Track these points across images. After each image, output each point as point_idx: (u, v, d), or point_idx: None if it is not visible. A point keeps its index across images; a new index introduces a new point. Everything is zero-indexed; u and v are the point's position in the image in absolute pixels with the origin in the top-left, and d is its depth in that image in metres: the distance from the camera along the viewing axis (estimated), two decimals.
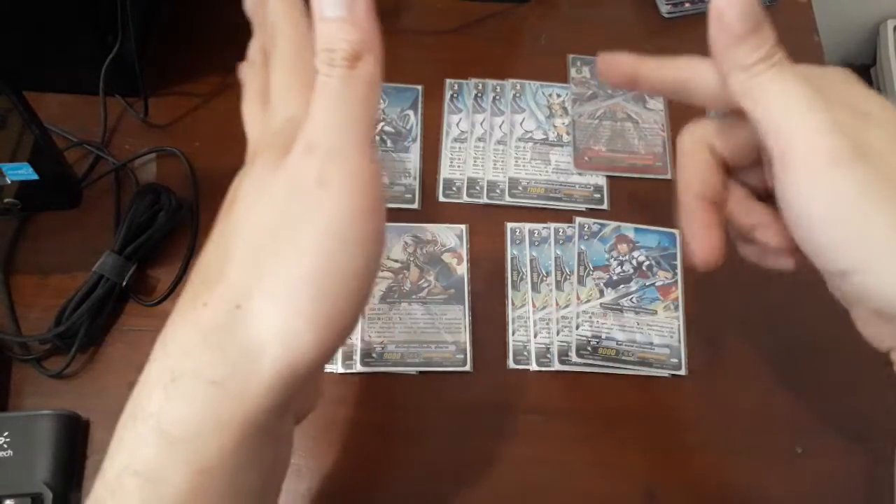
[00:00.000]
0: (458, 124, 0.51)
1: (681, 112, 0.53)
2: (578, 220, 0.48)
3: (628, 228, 0.48)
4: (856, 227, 0.24)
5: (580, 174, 0.50)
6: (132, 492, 0.22)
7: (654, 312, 0.46)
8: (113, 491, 0.22)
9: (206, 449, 0.22)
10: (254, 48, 0.28)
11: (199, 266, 0.24)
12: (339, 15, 0.23)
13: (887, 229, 0.24)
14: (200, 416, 0.22)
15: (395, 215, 0.48)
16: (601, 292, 0.46)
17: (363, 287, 0.23)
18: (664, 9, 0.56)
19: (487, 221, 0.48)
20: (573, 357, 0.44)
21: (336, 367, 0.43)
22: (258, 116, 0.26)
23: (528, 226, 0.48)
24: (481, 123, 0.51)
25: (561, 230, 0.48)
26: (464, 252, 0.47)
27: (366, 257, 0.22)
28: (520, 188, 0.49)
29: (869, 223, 0.24)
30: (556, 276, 0.47)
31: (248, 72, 0.28)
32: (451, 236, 0.47)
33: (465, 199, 0.49)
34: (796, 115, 0.25)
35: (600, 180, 0.50)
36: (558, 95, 0.53)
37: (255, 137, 0.26)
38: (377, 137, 0.50)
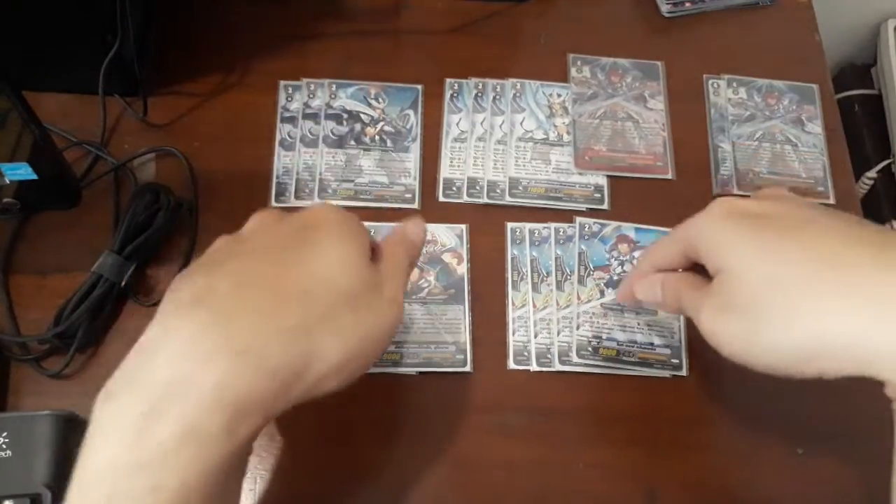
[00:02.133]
0: (458, 124, 0.51)
1: (681, 112, 0.53)
2: (579, 219, 0.48)
3: (629, 228, 0.48)
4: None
5: (580, 174, 0.50)
6: (186, 456, 0.24)
7: (655, 313, 0.46)
8: (164, 455, 0.24)
9: (248, 431, 0.26)
10: None
11: (253, 284, 0.28)
12: (424, 240, 0.36)
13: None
14: (255, 397, 0.26)
15: (396, 215, 0.48)
16: (602, 292, 0.46)
17: (368, 366, 0.31)
18: (664, 8, 0.56)
19: (487, 221, 0.48)
20: (574, 357, 0.44)
21: None
22: None
23: (528, 226, 0.48)
24: (481, 123, 0.51)
25: (561, 230, 0.48)
26: (464, 252, 0.47)
27: (380, 351, 0.32)
28: (520, 188, 0.49)
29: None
30: (556, 276, 0.47)
31: None
32: (451, 236, 0.47)
33: (465, 198, 0.49)
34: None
35: (601, 180, 0.50)
36: (558, 95, 0.53)
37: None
38: (377, 137, 0.50)
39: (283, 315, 0.27)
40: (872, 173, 0.89)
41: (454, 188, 0.49)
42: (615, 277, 0.47)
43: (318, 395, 0.28)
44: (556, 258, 0.47)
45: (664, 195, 0.50)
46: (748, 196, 0.36)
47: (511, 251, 0.47)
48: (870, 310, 0.28)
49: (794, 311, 0.29)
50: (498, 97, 0.52)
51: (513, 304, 0.46)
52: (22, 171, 0.39)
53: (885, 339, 0.28)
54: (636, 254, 0.48)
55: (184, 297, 0.27)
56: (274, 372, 0.26)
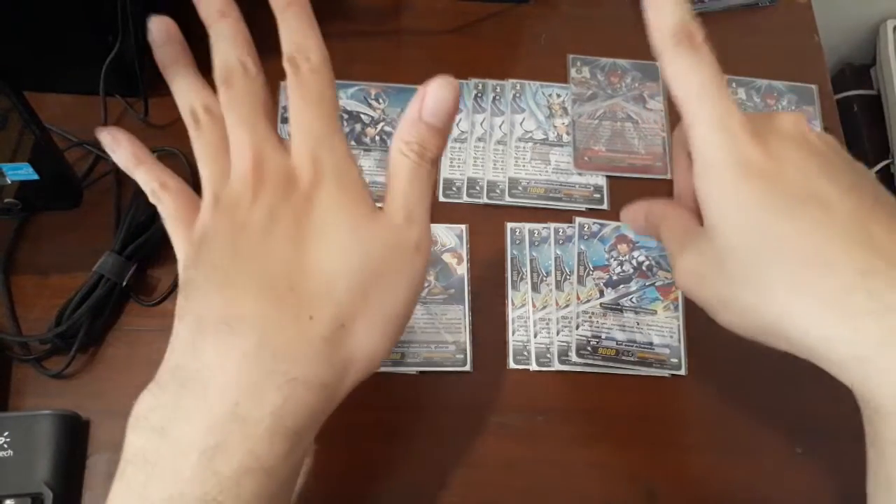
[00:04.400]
0: (458, 124, 0.51)
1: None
2: (578, 220, 0.48)
3: (628, 228, 0.48)
4: (751, 235, 0.28)
5: (580, 174, 0.50)
6: (251, 487, 0.24)
7: (654, 312, 0.46)
8: (227, 489, 0.24)
9: (307, 440, 0.27)
10: (196, 107, 0.31)
11: (268, 271, 0.26)
12: (436, 124, 0.28)
13: (776, 238, 0.27)
14: (311, 413, 0.26)
15: None
16: (601, 292, 0.46)
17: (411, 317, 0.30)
18: None
19: (487, 221, 0.48)
20: (573, 357, 0.44)
21: None
22: (270, 133, 0.29)
23: (528, 226, 0.48)
24: (481, 123, 0.51)
25: (561, 230, 0.48)
26: (464, 252, 0.47)
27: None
28: (520, 188, 0.49)
29: (760, 231, 0.27)
30: (555, 276, 0.47)
31: (202, 128, 0.30)
32: (451, 236, 0.47)
33: (465, 199, 0.49)
34: (703, 121, 0.28)
35: (600, 180, 0.50)
36: (558, 95, 0.53)
37: (283, 163, 0.28)
38: (377, 137, 0.50)
39: (317, 323, 0.26)
40: (871, 174, 0.89)
41: (454, 188, 0.49)
42: (614, 277, 0.47)
43: (369, 375, 0.28)
44: (555, 258, 0.47)
45: (663, 195, 0.50)
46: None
47: (511, 251, 0.48)
48: (869, 328, 0.25)
49: (770, 298, 0.27)
50: (498, 98, 0.52)
51: (512, 303, 0.46)
52: (23, 172, 0.40)
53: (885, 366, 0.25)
54: (635, 253, 0.48)
55: (207, 318, 0.26)
56: (322, 386, 0.26)
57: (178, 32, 0.32)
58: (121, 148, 0.32)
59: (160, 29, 0.31)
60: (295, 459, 0.26)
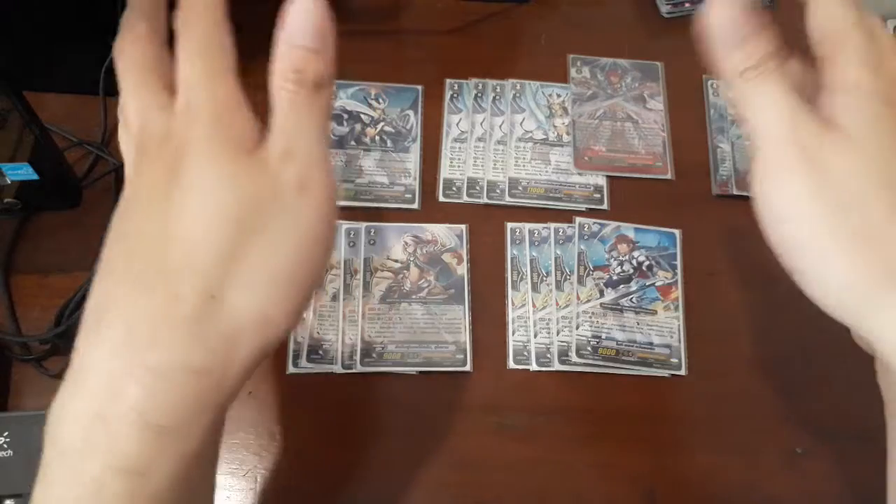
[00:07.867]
0: (458, 124, 0.51)
1: (680, 113, 0.53)
2: (578, 220, 0.48)
3: (628, 228, 0.48)
4: (794, 230, 0.26)
5: (580, 174, 0.50)
6: (119, 489, 0.22)
7: (654, 312, 0.46)
8: (95, 492, 0.22)
9: (191, 435, 0.23)
10: (138, 20, 0.28)
11: (137, 252, 0.23)
12: (312, 46, 0.25)
13: (818, 238, 0.26)
14: (185, 404, 0.22)
15: (396, 215, 0.48)
16: (601, 292, 0.46)
17: (321, 276, 0.26)
18: (664, 9, 0.56)
19: (487, 221, 0.48)
20: (573, 357, 0.44)
21: (336, 367, 0.43)
22: (156, 96, 0.26)
23: (528, 226, 0.48)
24: (481, 123, 0.51)
25: (561, 230, 0.48)
26: (464, 252, 0.47)
27: (328, 254, 0.25)
28: (520, 188, 0.49)
29: (804, 230, 0.26)
30: (556, 276, 0.47)
31: (130, 43, 0.28)
32: (451, 236, 0.47)
33: (465, 199, 0.49)
34: (767, 122, 0.27)
35: (600, 180, 0.50)
36: (558, 95, 0.53)
37: (163, 123, 0.25)
38: (377, 137, 0.50)
39: (181, 302, 0.22)
40: None
41: (454, 188, 0.49)
42: (614, 277, 0.47)
43: (271, 347, 0.24)
44: (555, 258, 0.47)
45: (663, 195, 0.50)
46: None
47: (511, 251, 0.48)
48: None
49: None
50: (498, 98, 0.52)
51: (512, 303, 0.46)
52: (23, 172, 0.40)
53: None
54: (635, 253, 0.48)
55: (90, 312, 0.24)
56: (196, 372, 0.22)
57: None
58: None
59: None
60: (180, 458, 0.23)
